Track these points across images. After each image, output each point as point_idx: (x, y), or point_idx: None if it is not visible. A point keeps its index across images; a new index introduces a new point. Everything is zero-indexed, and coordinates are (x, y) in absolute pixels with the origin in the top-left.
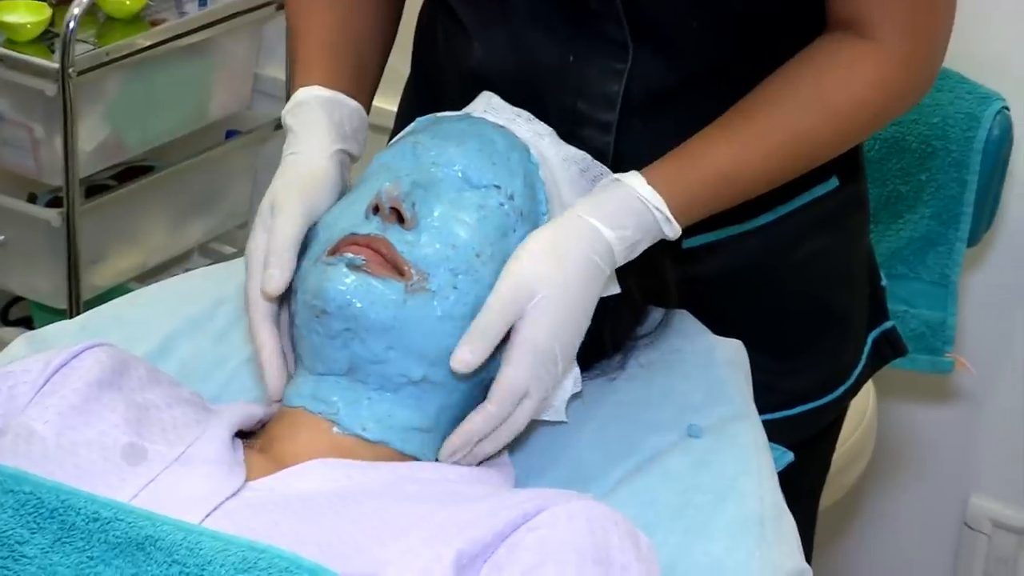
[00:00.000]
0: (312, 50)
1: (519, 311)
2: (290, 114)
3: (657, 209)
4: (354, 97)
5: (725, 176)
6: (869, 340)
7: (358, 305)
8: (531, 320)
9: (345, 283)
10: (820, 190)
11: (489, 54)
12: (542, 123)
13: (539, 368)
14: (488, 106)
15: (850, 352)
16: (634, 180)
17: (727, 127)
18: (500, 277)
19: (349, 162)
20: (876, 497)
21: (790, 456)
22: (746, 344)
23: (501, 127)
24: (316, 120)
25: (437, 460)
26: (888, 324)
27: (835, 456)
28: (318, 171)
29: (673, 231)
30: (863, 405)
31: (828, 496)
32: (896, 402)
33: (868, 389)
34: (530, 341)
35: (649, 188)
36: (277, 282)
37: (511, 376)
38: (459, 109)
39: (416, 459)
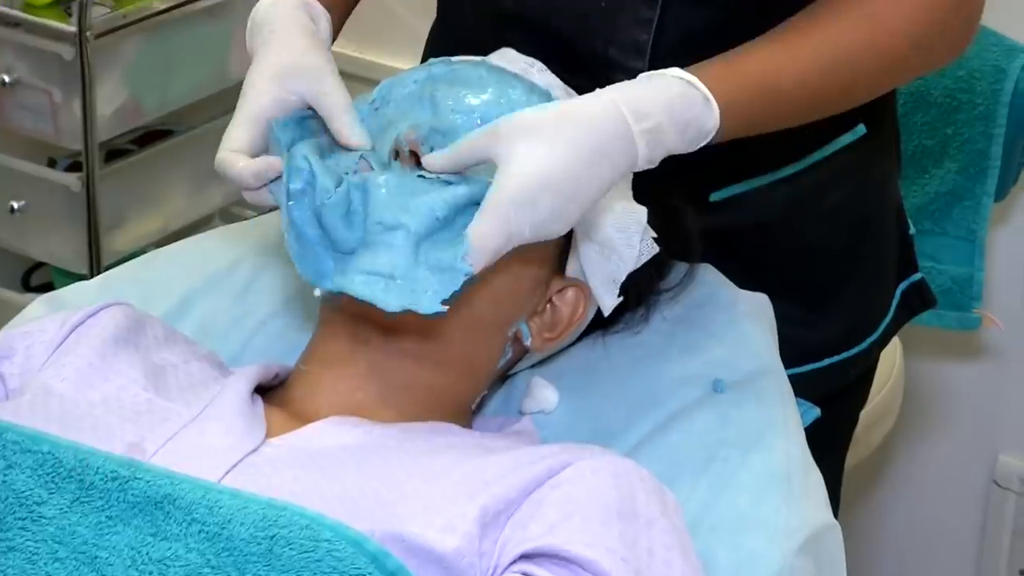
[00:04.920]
0: None
1: (500, 146)
2: (261, 10)
3: (693, 85)
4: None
5: (766, 79)
6: (898, 292)
7: None
8: (512, 163)
9: None
10: (847, 138)
11: None
12: (553, 75)
13: (520, 219)
14: (504, 59)
15: (878, 303)
16: (670, 70)
17: (772, 36)
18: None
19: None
20: (903, 455)
21: (816, 412)
22: (773, 294)
23: (517, 75)
24: (290, 16)
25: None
26: (917, 276)
27: (862, 414)
28: (298, 55)
29: (713, 118)
30: (890, 362)
31: (855, 455)
32: (923, 359)
33: (895, 346)
34: (505, 188)
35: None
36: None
37: (482, 225)
38: (486, 55)
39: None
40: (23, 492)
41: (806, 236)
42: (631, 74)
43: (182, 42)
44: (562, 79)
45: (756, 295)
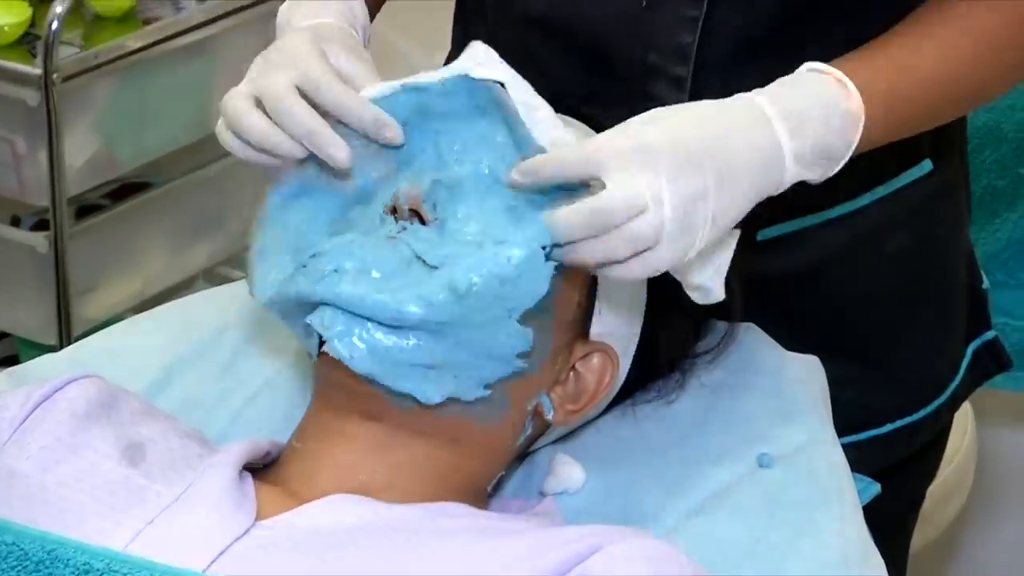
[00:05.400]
0: None
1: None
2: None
3: (830, 73)
4: None
5: (900, 66)
6: (969, 351)
7: None
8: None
9: None
10: (912, 175)
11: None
12: (538, 96)
13: (657, 174)
14: (475, 60)
15: (945, 362)
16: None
17: (900, 28)
18: None
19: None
20: (977, 537)
21: (876, 488)
22: (824, 352)
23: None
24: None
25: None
26: (990, 334)
27: (929, 490)
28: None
29: (856, 103)
30: (960, 431)
31: (922, 536)
32: (998, 428)
33: (966, 414)
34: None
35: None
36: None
37: (618, 182)
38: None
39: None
40: None
41: (862, 284)
42: (673, 81)
43: (160, 85)
44: (594, 90)
45: (806, 357)
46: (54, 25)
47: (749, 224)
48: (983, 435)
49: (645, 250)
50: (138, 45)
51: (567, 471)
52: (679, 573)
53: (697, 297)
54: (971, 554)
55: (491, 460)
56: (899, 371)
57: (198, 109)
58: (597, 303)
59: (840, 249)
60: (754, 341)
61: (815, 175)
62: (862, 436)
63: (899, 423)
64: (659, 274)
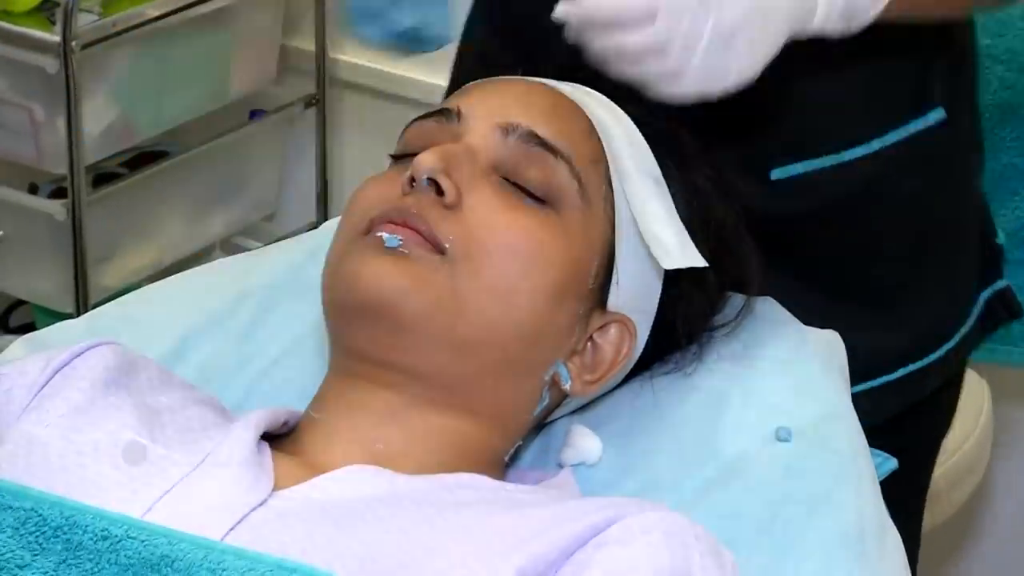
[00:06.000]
0: None
1: None
2: None
3: None
4: None
5: None
6: (980, 299)
7: None
8: None
9: None
10: (924, 122)
11: None
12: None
13: None
14: None
15: (955, 307)
16: None
17: None
18: None
19: None
20: (992, 516)
21: (894, 463)
22: (837, 296)
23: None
24: None
25: None
26: (1002, 283)
27: (945, 469)
28: None
29: None
30: (976, 408)
31: (937, 514)
32: (1014, 406)
33: (982, 389)
34: None
35: None
36: None
37: None
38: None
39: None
40: (3, 554)
41: (873, 226)
42: None
43: (179, 53)
44: None
45: (825, 332)
46: None
47: (766, 159)
48: (999, 413)
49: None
50: (157, 13)
51: (584, 442)
52: (695, 546)
53: (659, 253)
54: (987, 530)
55: (508, 431)
56: (908, 316)
57: (216, 78)
58: (615, 274)
59: (852, 192)
60: (772, 314)
61: (837, 28)
62: (873, 383)
63: (911, 367)
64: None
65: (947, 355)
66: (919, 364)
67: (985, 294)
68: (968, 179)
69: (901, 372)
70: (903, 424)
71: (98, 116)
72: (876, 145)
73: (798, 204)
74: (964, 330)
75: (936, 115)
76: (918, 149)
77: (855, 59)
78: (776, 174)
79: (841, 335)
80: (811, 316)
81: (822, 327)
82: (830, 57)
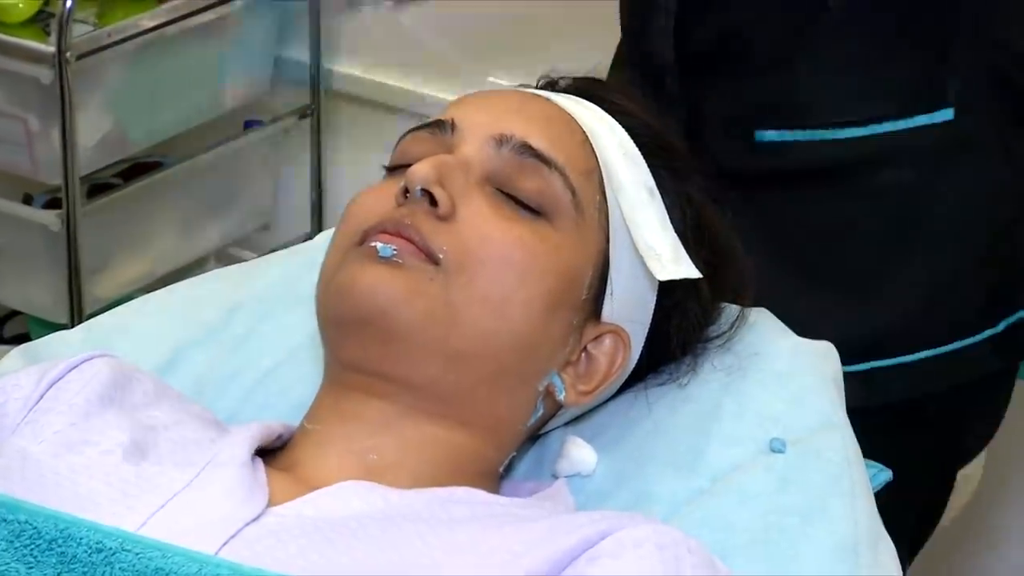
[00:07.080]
0: None
1: None
2: None
3: None
4: None
5: None
6: (1001, 325)
7: None
8: None
9: None
10: (929, 119)
11: None
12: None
13: None
14: None
15: (937, 317)
16: None
17: None
18: None
19: None
20: (994, 517)
21: (888, 474)
22: (810, 273)
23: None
24: None
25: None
26: None
27: None
28: None
29: None
30: None
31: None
32: (1012, 410)
33: None
34: None
35: None
36: None
37: None
38: None
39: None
40: None
41: (849, 208)
42: None
43: (173, 64)
44: None
45: (819, 343)
46: (68, 3)
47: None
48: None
49: None
50: (152, 24)
51: (579, 453)
52: (687, 559)
53: (653, 264)
54: (989, 531)
55: (502, 442)
56: (875, 308)
57: (211, 89)
58: (608, 285)
59: (835, 168)
60: (766, 325)
61: None
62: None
63: (874, 364)
64: None
65: (923, 365)
66: (885, 363)
67: (1011, 319)
68: (973, 185)
69: (862, 367)
70: (899, 437)
71: (93, 127)
72: (875, 130)
73: (777, 164)
74: (958, 345)
75: (943, 115)
76: (917, 143)
77: (870, 42)
78: (762, 136)
79: (807, 318)
80: (778, 293)
81: (788, 309)
82: (842, 34)
